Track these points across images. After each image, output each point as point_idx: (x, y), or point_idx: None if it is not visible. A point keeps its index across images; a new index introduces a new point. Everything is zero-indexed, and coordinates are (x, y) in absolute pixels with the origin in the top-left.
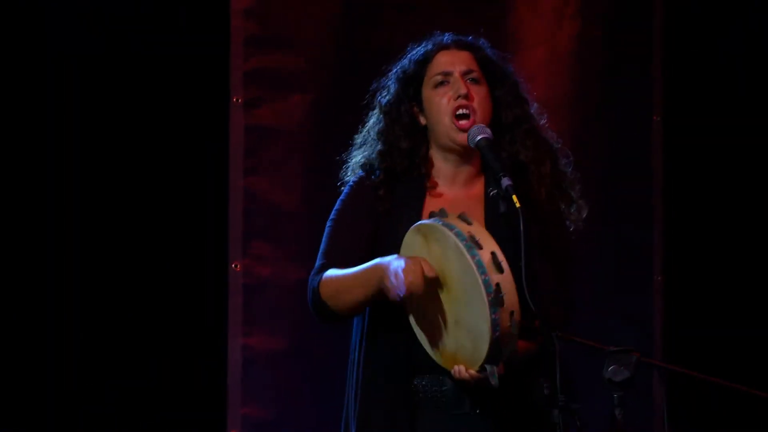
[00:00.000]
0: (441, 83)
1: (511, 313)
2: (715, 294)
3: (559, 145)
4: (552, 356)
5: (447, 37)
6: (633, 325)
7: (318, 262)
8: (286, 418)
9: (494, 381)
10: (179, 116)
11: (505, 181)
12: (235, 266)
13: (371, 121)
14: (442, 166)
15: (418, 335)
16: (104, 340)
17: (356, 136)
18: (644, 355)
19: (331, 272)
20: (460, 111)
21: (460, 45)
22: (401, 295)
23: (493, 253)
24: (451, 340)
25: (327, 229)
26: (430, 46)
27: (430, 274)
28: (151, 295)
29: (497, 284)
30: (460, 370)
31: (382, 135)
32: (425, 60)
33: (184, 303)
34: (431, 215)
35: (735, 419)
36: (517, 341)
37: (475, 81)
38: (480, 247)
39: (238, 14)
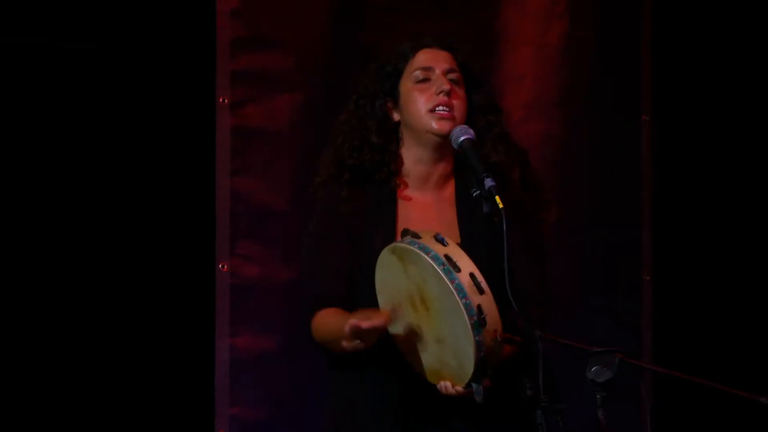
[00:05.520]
0: (422, 80)
1: (495, 331)
2: (704, 294)
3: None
4: (535, 357)
5: (429, 37)
6: (622, 325)
7: (305, 296)
8: (275, 419)
9: (479, 398)
10: (165, 117)
11: (489, 182)
12: (223, 267)
13: (344, 114)
14: (413, 168)
15: (399, 349)
16: (91, 340)
17: (330, 130)
18: (633, 356)
19: (320, 318)
20: (441, 108)
21: (441, 44)
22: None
23: (471, 275)
24: (434, 357)
25: (307, 252)
26: (411, 43)
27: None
28: (138, 296)
29: (479, 306)
30: (446, 386)
31: (354, 129)
32: (405, 56)
33: (171, 304)
34: (404, 233)
35: (724, 420)
36: (501, 356)
37: (455, 82)
38: (458, 270)
39: (224, 15)
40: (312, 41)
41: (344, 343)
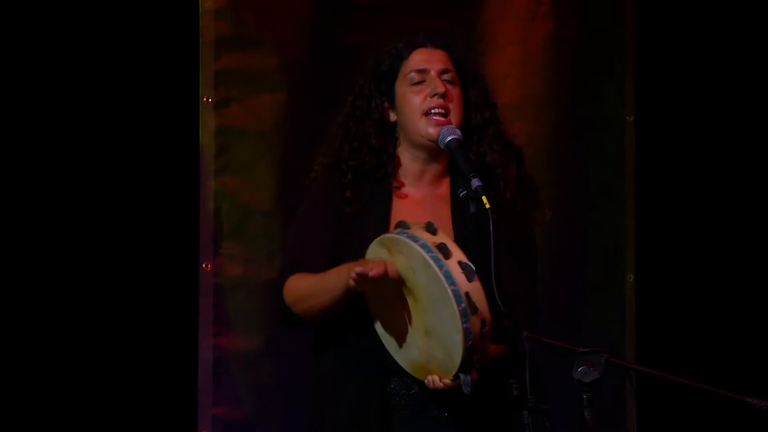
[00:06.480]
0: (417, 82)
1: (483, 321)
2: (688, 293)
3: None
4: (521, 357)
5: (423, 36)
6: (605, 323)
7: (283, 264)
8: (257, 418)
9: (467, 389)
10: (149, 116)
11: (475, 182)
12: (206, 266)
13: (341, 116)
14: (410, 165)
15: (386, 344)
16: (74, 339)
17: (327, 129)
18: (616, 354)
19: (296, 278)
20: (436, 110)
21: (436, 43)
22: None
23: (460, 263)
24: (421, 350)
25: (293, 229)
26: (405, 43)
27: (393, 274)
28: (122, 295)
29: (467, 294)
30: (433, 380)
31: (353, 131)
32: (400, 57)
33: (154, 303)
34: (396, 225)
35: (709, 420)
36: (489, 348)
37: (450, 82)
38: (447, 257)
39: (207, 14)
40: (296, 41)
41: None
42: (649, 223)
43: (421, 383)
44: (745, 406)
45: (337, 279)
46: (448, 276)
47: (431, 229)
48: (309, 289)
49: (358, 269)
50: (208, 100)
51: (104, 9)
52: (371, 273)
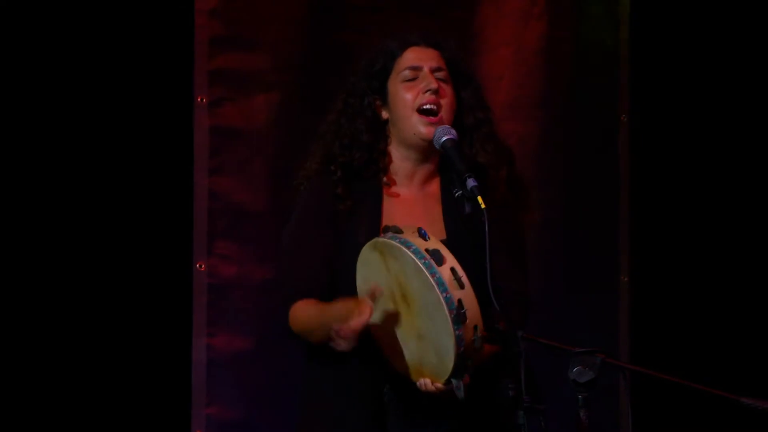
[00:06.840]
0: (410, 79)
1: (475, 327)
2: (682, 294)
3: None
4: (517, 357)
5: (416, 34)
6: (598, 325)
7: (284, 289)
8: (251, 418)
9: (460, 394)
10: (143, 116)
11: (471, 182)
12: (200, 266)
13: (333, 113)
14: (401, 164)
15: (379, 346)
16: (67, 339)
17: (319, 127)
18: (610, 356)
19: (300, 308)
20: (428, 106)
21: (429, 42)
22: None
23: (452, 269)
24: (414, 353)
25: (289, 245)
26: (398, 42)
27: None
28: (116, 295)
29: (459, 300)
30: (426, 383)
31: (344, 127)
32: (393, 54)
33: (148, 303)
34: (385, 230)
35: (700, 419)
36: (482, 352)
37: (442, 80)
38: (439, 264)
39: (202, 14)
40: (290, 41)
41: (334, 345)
42: (643, 223)
43: (414, 385)
44: (741, 406)
45: (338, 318)
46: (440, 283)
47: (423, 235)
48: (311, 325)
49: (339, 331)
50: (202, 100)
51: (99, 8)
52: (354, 327)
